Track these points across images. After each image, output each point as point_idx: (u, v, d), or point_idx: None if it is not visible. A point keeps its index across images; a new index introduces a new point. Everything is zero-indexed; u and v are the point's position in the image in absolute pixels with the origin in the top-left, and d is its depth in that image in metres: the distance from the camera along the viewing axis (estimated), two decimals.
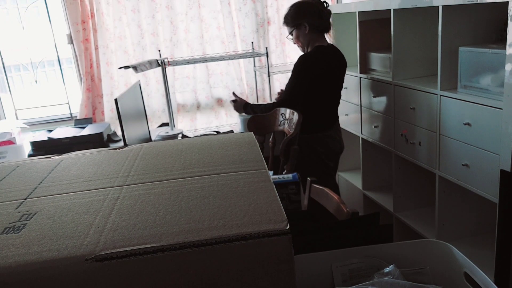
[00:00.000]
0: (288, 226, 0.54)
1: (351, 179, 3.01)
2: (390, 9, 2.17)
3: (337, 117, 2.45)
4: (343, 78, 2.38)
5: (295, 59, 3.39)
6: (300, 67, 2.23)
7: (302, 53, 2.33)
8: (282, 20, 2.39)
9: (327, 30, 2.30)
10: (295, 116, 2.25)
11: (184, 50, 3.08)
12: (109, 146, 2.45)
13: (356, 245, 0.88)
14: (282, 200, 1.46)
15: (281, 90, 2.69)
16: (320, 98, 2.30)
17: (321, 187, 1.64)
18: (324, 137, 2.35)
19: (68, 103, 3.16)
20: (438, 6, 1.83)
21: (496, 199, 1.66)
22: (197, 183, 0.69)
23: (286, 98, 2.31)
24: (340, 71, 2.33)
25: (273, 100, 2.81)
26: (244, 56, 2.99)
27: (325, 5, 2.29)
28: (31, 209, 0.65)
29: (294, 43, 2.36)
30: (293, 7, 2.32)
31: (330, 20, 2.31)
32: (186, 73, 3.14)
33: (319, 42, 2.27)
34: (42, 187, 0.74)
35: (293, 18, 2.29)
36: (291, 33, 2.32)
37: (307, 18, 2.26)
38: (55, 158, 0.90)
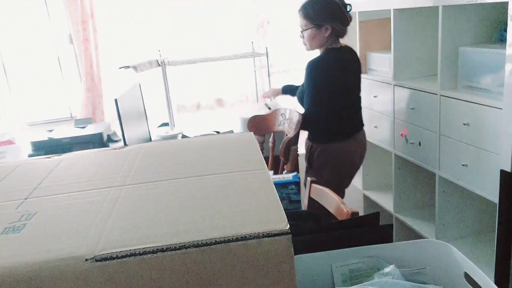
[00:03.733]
0: (288, 226, 0.54)
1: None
2: (390, 9, 2.17)
3: (358, 125, 2.24)
4: (359, 82, 2.21)
5: (296, 59, 3.37)
6: (314, 74, 2.06)
7: (311, 58, 2.13)
8: (297, 10, 2.13)
9: (343, 36, 2.13)
10: (295, 116, 2.25)
11: (184, 50, 3.08)
12: (109, 146, 2.45)
13: (356, 245, 0.88)
14: (282, 200, 1.46)
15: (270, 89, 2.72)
16: (336, 105, 2.11)
17: (321, 187, 1.64)
18: (345, 147, 2.16)
19: (68, 103, 3.15)
20: (438, 6, 1.83)
21: (496, 199, 1.66)
22: (197, 183, 0.69)
23: (310, 111, 2.13)
24: (354, 75, 2.17)
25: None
26: (244, 56, 2.98)
27: (349, 10, 2.09)
28: (31, 209, 0.65)
29: (301, 37, 2.14)
30: (321, 3, 2.06)
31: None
32: (186, 73, 3.14)
33: (331, 45, 2.09)
34: (42, 187, 0.74)
35: (318, 16, 2.04)
36: (306, 29, 2.08)
37: (333, 22, 2.03)
38: (55, 158, 0.90)
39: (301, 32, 2.10)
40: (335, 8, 2.03)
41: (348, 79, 2.11)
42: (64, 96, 3.13)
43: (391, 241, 0.90)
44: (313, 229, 1.25)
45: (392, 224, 0.94)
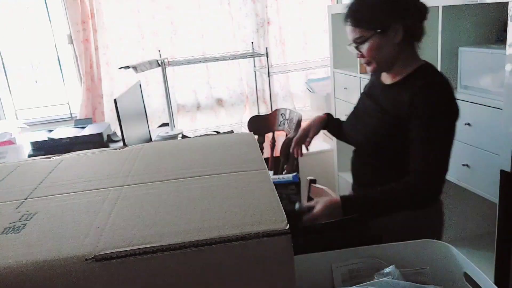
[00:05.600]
0: (288, 226, 0.54)
1: (351, 179, 3.01)
2: None
3: None
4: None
5: (295, 60, 3.35)
6: (439, 111, 1.23)
7: (427, 86, 1.25)
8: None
9: (422, 38, 1.34)
10: (295, 117, 2.25)
11: (184, 50, 3.08)
12: (109, 146, 2.45)
13: (356, 245, 0.88)
14: (282, 201, 1.45)
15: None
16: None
17: (321, 187, 1.64)
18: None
19: (68, 103, 3.16)
20: (438, 6, 1.83)
21: (496, 199, 1.66)
22: (197, 183, 0.69)
23: (433, 167, 1.24)
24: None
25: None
26: (244, 56, 2.99)
27: None
28: (31, 209, 0.65)
29: (358, 56, 1.35)
30: None
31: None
32: (186, 73, 3.14)
33: (415, 58, 1.33)
34: (42, 187, 0.74)
35: (377, 15, 1.29)
36: (365, 40, 1.29)
37: (403, 17, 1.28)
38: (55, 158, 0.90)
39: (356, 47, 1.33)
40: None
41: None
42: (64, 96, 3.13)
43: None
44: (313, 229, 1.25)
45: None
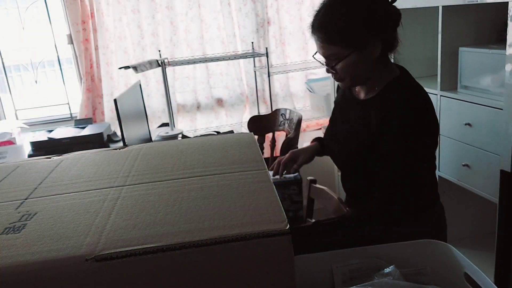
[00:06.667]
0: (288, 226, 0.54)
1: None
2: None
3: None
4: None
5: (295, 60, 3.35)
6: (412, 131, 1.15)
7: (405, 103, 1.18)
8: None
9: (396, 47, 1.24)
10: (295, 117, 2.25)
11: (184, 50, 3.08)
12: (109, 147, 2.45)
13: (356, 245, 0.88)
14: (284, 201, 1.43)
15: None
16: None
17: (321, 187, 1.64)
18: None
19: (68, 103, 3.16)
20: (438, 6, 1.83)
21: (496, 199, 1.66)
22: (197, 183, 0.69)
23: (403, 181, 1.18)
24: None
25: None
26: (244, 56, 2.98)
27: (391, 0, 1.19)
28: (31, 209, 0.65)
29: (331, 72, 1.23)
30: (351, 6, 1.15)
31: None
32: (186, 73, 3.14)
33: (389, 69, 1.24)
34: (42, 187, 0.74)
35: (358, 30, 1.14)
36: (341, 59, 1.17)
37: (381, 31, 1.16)
38: (55, 158, 0.90)
39: (330, 66, 1.21)
40: (373, 6, 1.15)
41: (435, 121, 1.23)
42: (64, 96, 3.13)
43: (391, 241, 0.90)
44: (313, 229, 1.25)
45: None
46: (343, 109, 1.37)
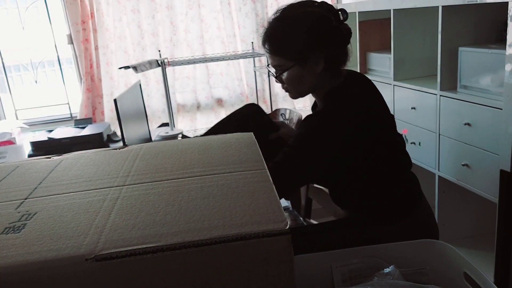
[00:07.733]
0: (288, 226, 0.54)
1: None
2: (390, 9, 2.18)
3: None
4: (388, 114, 1.32)
5: None
6: (308, 139, 1.20)
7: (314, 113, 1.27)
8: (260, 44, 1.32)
9: (346, 61, 1.29)
10: (295, 116, 2.25)
11: (184, 50, 3.08)
12: (109, 146, 2.45)
13: (356, 245, 0.88)
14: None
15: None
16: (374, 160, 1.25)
17: (320, 187, 1.64)
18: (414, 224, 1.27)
19: (68, 103, 3.16)
20: (438, 6, 1.83)
21: (496, 199, 1.66)
22: (197, 183, 0.69)
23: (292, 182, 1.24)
24: (382, 108, 1.30)
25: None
26: (244, 56, 2.98)
27: (343, 18, 1.24)
28: (31, 209, 0.65)
29: (278, 82, 1.32)
30: (294, 23, 1.22)
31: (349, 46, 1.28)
32: (186, 73, 3.14)
33: (331, 84, 1.26)
34: (42, 187, 0.74)
35: (296, 45, 1.22)
36: (285, 70, 1.25)
37: (323, 47, 1.21)
38: (55, 158, 0.90)
39: (276, 75, 1.30)
40: (320, 23, 1.20)
41: (385, 123, 1.28)
42: (64, 96, 3.13)
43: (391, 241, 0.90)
44: (313, 229, 1.25)
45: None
46: None
